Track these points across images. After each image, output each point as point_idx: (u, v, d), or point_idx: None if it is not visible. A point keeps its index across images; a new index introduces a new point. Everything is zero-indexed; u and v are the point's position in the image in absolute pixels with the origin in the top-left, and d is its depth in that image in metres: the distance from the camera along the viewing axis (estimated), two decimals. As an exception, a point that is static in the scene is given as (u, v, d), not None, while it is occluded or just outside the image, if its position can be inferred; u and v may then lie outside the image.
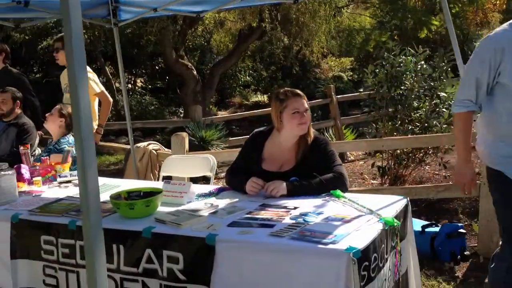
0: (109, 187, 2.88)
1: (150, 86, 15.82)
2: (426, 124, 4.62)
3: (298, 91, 2.68)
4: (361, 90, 7.03)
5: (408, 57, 4.75)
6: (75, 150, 1.84)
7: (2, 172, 2.65)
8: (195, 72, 10.61)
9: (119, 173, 5.33)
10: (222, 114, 15.07)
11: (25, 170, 3.06)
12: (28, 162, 3.21)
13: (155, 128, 10.40)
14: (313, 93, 16.42)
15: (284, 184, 2.43)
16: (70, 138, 3.82)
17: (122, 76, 4.37)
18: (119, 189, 2.83)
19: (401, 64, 4.72)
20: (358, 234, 1.81)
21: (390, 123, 4.92)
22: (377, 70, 4.87)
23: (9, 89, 4.51)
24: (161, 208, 2.33)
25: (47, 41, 13.06)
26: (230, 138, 6.84)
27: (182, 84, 11.34)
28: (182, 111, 15.56)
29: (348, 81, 18.61)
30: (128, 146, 4.84)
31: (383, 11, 17.94)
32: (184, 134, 4.23)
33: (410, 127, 4.83)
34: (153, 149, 4.59)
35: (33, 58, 13.42)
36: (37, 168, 3.12)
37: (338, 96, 8.36)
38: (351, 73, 20.94)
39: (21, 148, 3.26)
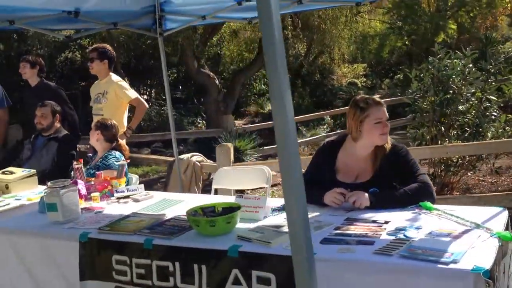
0: (172, 203, 2.76)
1: (164, 97, 15.79)
2: (475, 129, 4.46)
3: (379, 99, 2.55)
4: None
5: (455, 60, 4.60)
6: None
7: (65, 189, 2.55)
8: (217, 82, 10.55)
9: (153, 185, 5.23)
10: (238, 123, 15.00)
11: (81, 185, 2.95)
12: (82, 177, 3.10)
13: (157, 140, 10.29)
14: (330, 101, 16.35)
15: (366, 195, 2.30)
16: (116, 153, 3.73)
17: (167, 87, 4.27)
18: (184, 204, 2.72)
19: (447, 68, 4.57)
20: (476, 252, 1.67)
21: (435, 128, 4.77)
22: (422, 75, 4.73)
23: (48, 103, 4.43)
24: (238, 225, 2.21)
25: (65, 54, 13.10)
26: (263, 148, 6.71)
27: (204, 94, 11.27)
28: (200, 121, 15.52)
29: (362, 87, 18.48)
30: (170, 158, 4.74)
31: (399, 16, 17.82)
32: (230, 144, 4.11)
33: (456, 132, 4.68)
34: (196, 160, 4.48)
35: (51, 71, 13.43)
36: (93, 183, 3.02)
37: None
38: (365, 79, 20.84)
39: (74, 163, 3.16)
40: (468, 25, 19.22)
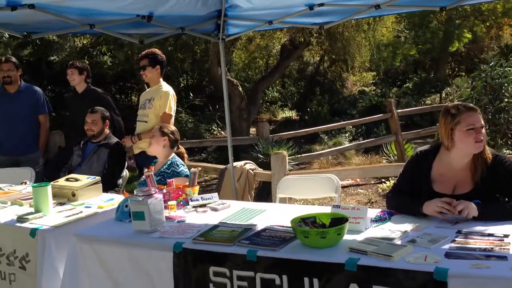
0: (254, 212, 2.69)
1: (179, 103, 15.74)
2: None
3: (472, 105, 2.48)
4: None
5: (508, 69, 4.55)
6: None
7: (152, 198, 2.49)
8: (240, 89, 10.51)
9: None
10: (252, 130, 14.94)
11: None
12: (154, 185, 3.04)
13: (194, 147, 10.22)
14: (345, 108, 16.28)
15: (473, 204, 2.23)
16: (179, 160, 3.67)
17: (225, 93, 4.21)
18: (267, 214, 2.65)
19: (501, 75, 4.51)
20: None
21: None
22: (474, 83, 4.67)
23: (98, 109, 4.38)
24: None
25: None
26: (300, 155, 6.64)
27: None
28: (216, 128, 15.47)
29: (373, 95, 18.43)
30: (221, 166, 4.67)
31: (413, 24, 17.82)
32: (285, 152, 4.05)
33: (505, 141, 4.62)
34: (249, 168, 4.42)
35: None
36: (165, 191, 2.95)
37: (399, 111, 8.16)
38: (374, 88, 20.81)
39: (145, 170, 3.09)
40: (484, 34, 19.23)
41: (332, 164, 8.22)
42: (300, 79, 19.69)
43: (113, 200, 3.18)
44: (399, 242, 2.04)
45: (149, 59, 4.33)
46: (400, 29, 14.40)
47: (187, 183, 3.06)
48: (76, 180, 3.30)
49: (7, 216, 2.88)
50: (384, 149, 8.12)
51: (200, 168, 3.09)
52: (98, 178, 3.35)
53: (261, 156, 6.03)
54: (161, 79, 4.41)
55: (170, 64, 15.10)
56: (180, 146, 3.79)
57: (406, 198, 2.44)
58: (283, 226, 2.34)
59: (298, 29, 9.92)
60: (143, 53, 4.41)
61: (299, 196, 3.41)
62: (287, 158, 4.01)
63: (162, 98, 4.23)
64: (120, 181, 4.44)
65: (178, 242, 2.28)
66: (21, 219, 2.76)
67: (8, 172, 4.46)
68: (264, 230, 2.33)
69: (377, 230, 2.24)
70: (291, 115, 18.32)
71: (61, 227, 2.70)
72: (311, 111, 13.99)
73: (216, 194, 2.98)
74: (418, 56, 21.58)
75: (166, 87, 4.36)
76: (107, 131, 4.41)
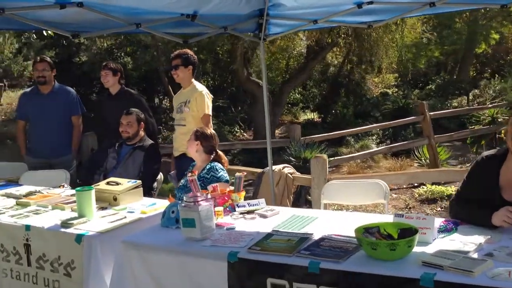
0: (306, 220, 2.58)
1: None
2: None
3: None
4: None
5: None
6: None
7: (203, 204, 2.39)
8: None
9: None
10: (277, 132, 14.81)
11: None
12: (198, 190, 2.94)
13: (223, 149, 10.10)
14: (369, 111, 16.04)
15: None
16: (218, 164, 3.57)
17: (265, 95, 4.10)
18: (319, 222, 2.53)
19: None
20: None
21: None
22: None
23: (133, 111, 4.32)
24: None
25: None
26: (333, 158, 6.50)
27: (252, 102, 11.13)
28: (238, 130, 15.39)
29: (396, 97, 18.13)
30: (258, 170, 4.56)
31: (439, 24, 17.49)
32: (325, 156, 3.93)
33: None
34: (288, 172, 4.31)
35: (95, 79, 13.47)
36: (209, 197, 2.85)
37: (431, 113, 7.96)
38: (396, 90, 20.50)
39: (189, 174, 2.99)
40: (510, 35, 18.79)
41: (362, 168, 8.06)
42: (322, 81, 19.50)
43: (155, 204, 3.09)
44: (475, 256, 1.90)
45: (182, 59, 4.25)
46: (425, 30, 14.09)
47: (228, 189, 2.96)
48: (117, 183, 3.23)
49: (50, 221, 2.81)
50: (416, 153, 7.93)
51: (245, 173, 2.98)
52: (139, 182, 3.27)
53: (292, 159, 5.90)
54: (193, 80, 4.32)
55: (192, 65, 15.15)
56: (218, 150, 3.69)
57: (473, 207, 2.30)
58: (342, 236, 2.23)
59: (325, 30, 9.79)
60: (176, 53, 4.33)
61: (345, 202, 3.29)
62: (327, 161, 3.88)
63: (198, 99, 4.14)
64: (155, 184, 4.38)
65: (233, 251, 2.18)
66: (66, 224, 2.70)
67: (43, 175, 4.42)
68: (322, 239, 2.21)
69: (446, 241, 2.10)
70: (312, 117, 18.14)
71: (107, 233, 2.62)
72: (336, 113, 13.80)
73: (263, 200, 2.87)
74: (442, 57, 21.23)
75: (199, 87, 4.28)
76: (142, 133, 4.34)
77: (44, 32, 9.76)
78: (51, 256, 2.68)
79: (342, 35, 9.44)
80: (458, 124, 12.43)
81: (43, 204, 3.17)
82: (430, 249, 2.01)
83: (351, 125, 13.27)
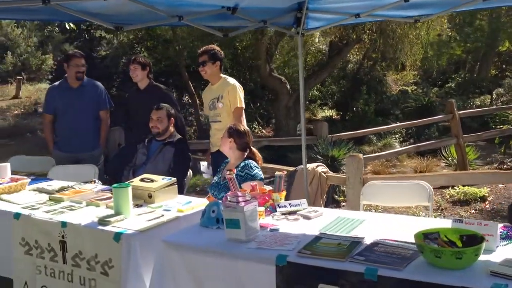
0: (354, 222, 2.47)
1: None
2: None
3: None
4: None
5: None
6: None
7: (249, 204, 2.29)
8: (288, 87, 10.26)
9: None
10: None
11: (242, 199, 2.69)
12: (236, 189, 2.85)
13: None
14: (388, 108, 15.81)
15: None
16: (252, 162, 3.47)
17: (302, 89, 3.98)
18: (368, 224, 2.43)
19: None
20: None
21: None
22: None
23: (163, 106, 4.24)
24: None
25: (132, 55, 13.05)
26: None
27: (273, 99, 11.01)
28: (257, 126, 15.26)
29: (416, 95, 17.86)
30: (290, 168, 4.46)
31: (463, 22, 17.16)
32: (361, 155, 3.81)
33: None
34: (322, 171, 4.20)
35: (115, 73, 13.48)
36: (249, 196, 2.76)
37: (460, 112, 7.76)
38: (415, 87, 20.21)
39: (227, 172, 2.91)
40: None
41: (386, 167, 7.90)
42: (341, 78, 19.29)
43: (191, 203, 3.02)
44: (546, 266, 1.78)
45: (209, 55, 4.16)
46: (447, 27, 13.78)
47: (263, 187, 2.86)
48: (152, 180, 3.15)
49: (86, 217, 2.75)
50: (443, 152, 7.75)
51: (285, 172, 2.88)
52: (173, 179, 3.19)
53: (320, 158, 5.78)
54: (222, 74, 4.23)
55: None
56: (252, 147, 3.60)
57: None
58: (396, 241, 2.12)
59: (350, 25, 9.61)
60: (203, 49, 4.23)
61: (386, 204, 3.17)
62: (362, 160, 3.76)
63: (231, 93, 4.06)
64: (185, 180, 4.30)
65: (281, 254, 2.08)
66: (103, 221, 2.63)
67: (71, 170, 4.37)
68: (376, 244, 2.10)
69: (509, 249, 1.98)
70: (331, 114, 17.96)
71: (146, 232, 2.54)
72: (357, 110, 13.61)
73: (304, 200, 2.77)
74: (464, 55, 20.85)
75: (231, 80, 4.19)
76: (171, 129, 4.26)
77: (67, 25, 9.81)
78: (87, 254, 2.62)
79: (368, 31, 9.26)
80: (481, 123, 12.17)
81: (76, 200, 3.11)
82: (495, 257, 1.89)
83: (372, 123, 13.08)
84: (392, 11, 3.30)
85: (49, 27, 10.21)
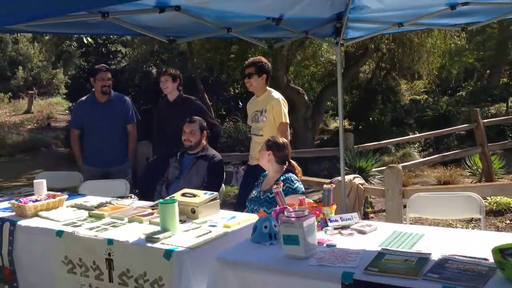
0: (412, 237, 2.38)
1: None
2: None
3: None
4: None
5: None
6: None
7: (307, 220, 2.22)
8: (306, 97, 10.21)
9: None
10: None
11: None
12: (283, 203, 2.78)
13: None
14: (402, 118, 15.70)
15: None
16: (293, 175, 3.41)
17: (340, 101, 3.92)
18: (428, 238, 2.34)
19: None
20: None
21: None
22: None
23: (196, 119, 4.18)
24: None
25: (148, 68, 13.08)
26: (383, 168, 6.25)
27: (291, 110, 10.94)
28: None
29: (426, 104, 17.74)
30: (325, 180, 4.38)
31: (476, 29, 17.07)
32: (399, 166, 3.73)
33: None
34: (359, 183, 4.12)
35: (131, 86, 13.50)
36: (299, 210, 2.69)
37: (485, 121, 7.66)
38: (426, 96, 20.10)
39: (274, 186, 2.84)
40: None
41: (409, 177, 7.79)
42: (353, 88, 19.24)
43: (236, 218, 2.95)
44: None
45: (256, 67, 4.11)
46: (462, 36, 13.67)
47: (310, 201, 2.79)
48: (194, 195, 3.09)
49: (132, 234, 2.68)
50: (467, 162, 7.63)
51: (334, 185, 2.80)
52: (216, 193, 3.13)
53: (346, 169, 5.68)
54: (268, 87, 4.19)
55: (222, 73, 15.06)
56: (291, 160, 3.53)
57: None
58: (466, 257, 2.03)
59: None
60: (250, 61, 4.18)
61: (435, 216, 3.08)
62: (401, 172, 3.68)
63: (275, 108, 4.02)
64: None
65: (347, 272, 2.00)
66: (151, 238, 2.56)
67: (102, 184, 4.34)
68: (446, 260, 2.01)
69: None
70: (343, 124, 17.84)
71: (197, 249, 2.48)
72: (373, 120, 13.52)
73: (355, 214, 2.69)
74: (477, 63, 20.75)
75: (276, 94, 4.14)
76: (204, 142, 4.21)
77: (85, 40, 9.87)
78: (135, 272, 2.55)
79: (386, 41, 9.21)
80: (497, 131, 12.03)
81: (117, 216, 3.05)
82: None
83: (387, 133, 12.99)
84: (437, 19, 3.24)
85: (67, 41, 10.24)
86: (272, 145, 3.44)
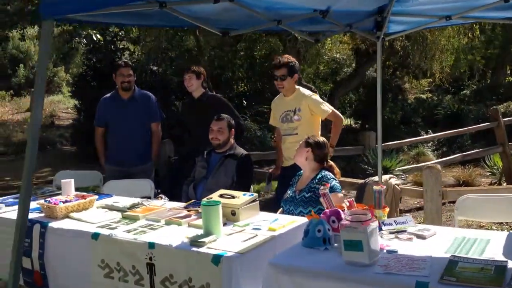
0: (479, 243, 2.25)
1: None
2: None
3: None
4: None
5: None
6: None
7: (370, 225, 2.08)
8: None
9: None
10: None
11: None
12: (331, 205, 2.64)
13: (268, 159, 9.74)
14: (410, 116, 15.56)
15: None
16: (329, 174, 3.28)
17: (379, 98, 3.79)
18: (494, 244, 2.21)
19: None
20: None
21: None
22: None
23: (224, 117, 4.03)
24: None
25: (158, 67, 12.90)
26: (409, 166, 6.14)
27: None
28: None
29: (430, 102, 17.61)
30: (358, 181, 4.25)
31: (485, 27, 16.95)
32: (439, 166, 3.59)
33: None
34: (395, 184, 3.98)
35: (138, 84, 13.19)
36: (346, 213, 2.55)
37: (505, 119, 7.53)
38: (430, 95, 19.98)
39: (321, 187, 2.71)
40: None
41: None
42: (359, 85, 19.11)
43: (278, 220, 2.81)
44: None
45: (288, 68, 3.98)
46: (476, 33, 13.51)
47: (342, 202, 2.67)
48: (232, 196, 2.95)
49: (173, 238, 2.54)
50: (487, 161, 7.50)
51: (384, 186, 2.67)
52: (255, 195, 2.99)
53: (369, 169, 5.56)
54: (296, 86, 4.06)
55: (227, 71, 14.89)
56: (329, 160, 3.40)
57: None
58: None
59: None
60: (282, 61, 4.01)
61: (486, 220, 2.95)
62: (440, 172, 3.55)
63: (311, 105, 3.93)
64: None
65: (421, 281, 1.86)
66: (196, 243, 2.42)
67: (126, 184, 4.20)
68: (526, 269, 1.88)
69: None
70: (349, 123, 17.71)
71: (246, 254, 2.34)
72: (383, 118, 13.35)
73: (410, 217, 2.55)
74: (483, 62, 20.61)
75: (305, 91, 4.04)
76: (232, 140, 4.06)
77: (94, 37, 9.71)
78: (180, 277, 2.41)
79: (400, 38, 9.07)
80: (509, 130, 11.94)
81: (153, 218, 2.91)
82: None
83: (397, 131, 12.85)
84: (488, 12, 3.10)
85: (77, 38, 10.06)
86: (311, 143, 3.33)
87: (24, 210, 2.66)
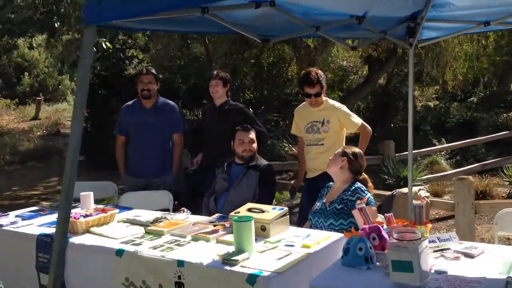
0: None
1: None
2: None
3: None
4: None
5: None
6: None
7: (422, 244, 1.94)
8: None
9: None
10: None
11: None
12: (369, 221, 2.51)
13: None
14: (419, 124, 15.39)
15: None
16: (362, 186, 3.14)
17: (410, 107, 3.66)
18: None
19: None
20: None
21: None
22: None
23: (251, 127, 3.89)
24: None
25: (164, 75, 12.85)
26: (430, 176, 5.98)
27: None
28: (287, 145, 14.88)
29: (438, 110, 17.45)
30: (386, 192, 4.11)
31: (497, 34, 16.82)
32: (471, 178, 3.45)
33: None
34: (425, 196, 3.84)
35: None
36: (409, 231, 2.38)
37: (524, 128, 7.38)
38: (437, 102, 19.83)
39: (358, 202, 2.57)
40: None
41: (444, 186, 7.50)
42: (367, 93, 18.98)
43: (311, 235, 2.67)
44: None
45: (320, 85, 3.86)
46: (491, 40, 13.33)
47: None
48: (262, 211, 2.81)
49: (203, 255, 2.40)
50: (505, 171, 7.34)
51: (425, 201, 2.53)
52: (286, 209, 2.85)
53: (389, 179, 5.42)
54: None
55: (235, 79, 14.84)
56: (363, 172, 3.27)
57: None
58: None
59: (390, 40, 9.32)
60: (310, 78, 3.84)
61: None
62: (473, 184, 3.41)
63: (342, 118, 3.84)
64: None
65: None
66: (229, 261, 2.28)
67: (144, 196, 4.07)
68: None
69: None
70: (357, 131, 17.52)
71: (283, 273, 2.20)
72: (394, 126, 13.21)
73: (454, 233, 2.41)
74: (492, 69, 20.47)
75: (335, 103, 3.95)
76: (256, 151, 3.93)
77: (104, 45, 9.61)
78: (212, 298, 2.27)
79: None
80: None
81: (179, 234, 2.77)
82: None
83: (407, 139, 12.68)
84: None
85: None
86: (348, 152, 3.20)
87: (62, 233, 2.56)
